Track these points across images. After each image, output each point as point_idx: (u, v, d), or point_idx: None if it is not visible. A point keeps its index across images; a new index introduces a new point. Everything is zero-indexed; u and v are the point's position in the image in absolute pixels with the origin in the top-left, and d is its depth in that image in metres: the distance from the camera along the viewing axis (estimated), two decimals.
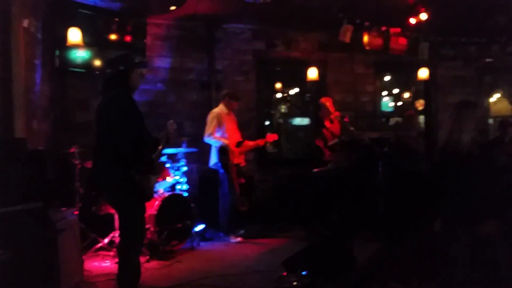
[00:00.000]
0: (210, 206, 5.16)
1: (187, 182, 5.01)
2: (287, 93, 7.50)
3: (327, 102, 5.43)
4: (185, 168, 4.97)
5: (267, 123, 6.87)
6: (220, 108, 5.05)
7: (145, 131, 2.89)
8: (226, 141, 4.87)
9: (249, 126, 6.01)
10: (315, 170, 5.30)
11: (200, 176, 5.65)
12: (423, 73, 6.15)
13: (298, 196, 5.53)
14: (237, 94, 5.14)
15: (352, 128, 4.95)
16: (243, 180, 5.16)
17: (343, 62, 6.56)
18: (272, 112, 7.13)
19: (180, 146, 4.85)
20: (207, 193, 5.37)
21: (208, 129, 4.87)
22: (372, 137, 5.20)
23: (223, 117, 4.95)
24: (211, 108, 5.24)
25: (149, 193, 2.97)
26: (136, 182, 2.77)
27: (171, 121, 3.30)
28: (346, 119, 5.14)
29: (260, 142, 5.25)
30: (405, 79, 7.37)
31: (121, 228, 2.98)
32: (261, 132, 6.11)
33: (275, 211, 5.73)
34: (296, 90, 7.43)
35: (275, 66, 6.66)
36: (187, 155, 5.01)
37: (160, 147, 3.08)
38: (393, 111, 7.40)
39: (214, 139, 4.85)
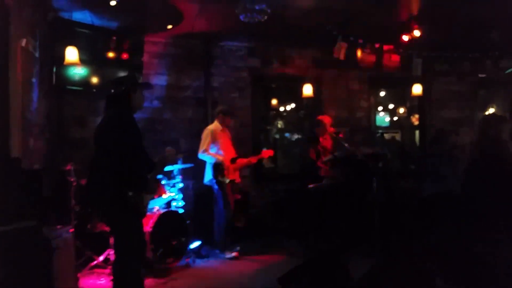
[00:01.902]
0: (205, 222, 5.17)
1: (183, 199, 5.02)
2: (283, 109, 7.57)
3: (325, 120, 5.47)
4: (180, 185, 4.99)
5: (262, 138, 6.90)
6: (214, 125, 5.09)
7: (142, 150, 2.93)
8: (220, 158, 4.89)
9: (245, 142, 6.04)
10: (310, 185, 5.32)
11: (196, 193, 5.67)
12: (416, 88, 6.21)
13: (294, 211, 5.54)
14: (231, 110, 5.18)
15: (346, 144, 4.98)
16: (238, 196, 5.17)
17: (337, 78, 6.63)
18: (268, 128, 7.17)
19: (176, 163, 4.88)
20: (202, 210, 5.36)
21: (202, 145, 4.90)
22: (367, 152, 5.24)
23: (217, 133, 4.98)
24: (207, 125, 5.29)
25: (142, 211, 3.00)
26: (130, 199, 2.81)
27: (169, 148, 3.37)
28: (341, 135, 5.20)
29: (253, 159, 5.26)
30: (400, 95, 7.44)
31: (115, 246, 3.00)
32: (257, 148, 6.15)
33: (271, 226, 5.74)
34: (292, 106, 7.49)
35: (271, 82, 6.73)
36: (183, 172, 5.05)
37: (156, 170, 3.14)
38: (389, 126, 7.46)
39: (208, 155, 4.88)
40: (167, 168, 4.75)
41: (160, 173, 4.59)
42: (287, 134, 7.75)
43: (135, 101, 3.05)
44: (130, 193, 2.80)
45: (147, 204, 3.10)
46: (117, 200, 2.80)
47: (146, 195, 2.99)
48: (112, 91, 3.07)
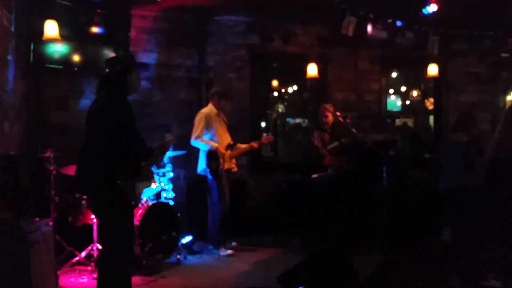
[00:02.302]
0: (198, 216, 5.16)
1: (173, 190, 5.01)
2: (285, 91, 7.55)
3: (329, 109, 5.44)
4: (171, 174, 4.97)
5: (262, 124, 6.89)
6: (209, 108, 5.05)
7: (137, 135, 2.96)
8: (215, 145, 4.87)
9: (242, 128, 6.02)
10: (314, 175, 5.31)
11: (188, 183, 5.66)
12: (432, 69, 6.14)
13: (296, 204, 5.56)
14: (228, 93, 5.14)
15: (354, 130, 4.95)
16: (234, 187, 5.18)
17: (345, 57, 6.57)
18: (268, 112, 7.15)
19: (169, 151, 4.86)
20: (195, 202, 5.35)
21: (196, 131, 4.87)
22: (376, 139, 5.22)
23: (212, 118, 4.95)
24: (201, 108, 5.26)
25: (135, 200, 3.02)
26: (121, 187, 2.82)
27: (169, 135, 3.40)
28: (348, 120, 5.15)
29: (255, 144, 5.23)
30: (414, 76, 7.40)
31: (103, 239, 3.01)
32: (256, 134, 6.12)
33: (271, 220, 5.75)
34: (295, 88, 7.45)
35: (272, 62, 6.67)
36: (174, 160, 5.02)
37: (153, 157, 3.15)
38: (401, 111, 7.43)
39: (202, 142, 4.86)
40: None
41: (158, 162, 4.63)
42: (289, 119, 7.75)
43: (131, 83, 3.08)
44: (121, 181, 2.82)
45: (141, 193, 3.11)
46: (107, 188, 2.82)
47: (139, 183, 3.00)
48: (107, 71, 3.09)
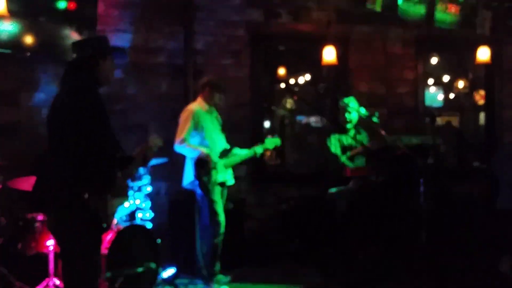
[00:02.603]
0: (184, 242, 5.14)
1: (152, 208, 5.01)
2: (295, 82, 7.56)
3: (349, 101, 5.48)
4: (149, 189, 4.96)
5: (266, 124, 6.87)
6: (198, 104, 5.03)
7: (111, 139, 2.96)
8: (206, 151, 4.83)
9: (240, 129, 6.02)
10: (332, 190, 5.32)
11: (171, 200, 5.67)
12: (483, 53, 6.10)
13: (309, 227, 5.53)
14: (222, 84, 5.11)
15: (383, 132, 4.93)
16: (230, 205, 5.16)
17: (371, 38, 6.56)
18: (273, 108, 7.18)
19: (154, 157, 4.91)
20: (180, 224, 5.35)
21: (181, 133, 4.84)
22: (411, 143, 5.23)
23: (202, 116, 4.93)
24: (188, 103, 5.24)
25: (107, 221, 2.98)
26: (90, 206, 2.81)
27: (155, 135, 3.41)
28: (374, 119, 5.18)
29: (258, 150, 5.18)
30: (460, 62, 7.43)
31: (63, 272, 2.98)
32: (258, 136, 6.08)
33: (277, 247, 5.73)
34: (307, 78, 7.44)
35: (278, 44, 6.65)
36: (152, 170, 5.00)
37: (132, 166, 3.16)
38: (443, 107, 7.47)
39: (188, 147, 4.83)
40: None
41: (137, 172, 4.65)
42: (300, 117, 7.80)
43: (104, 72, 3.12)
44: (91, 196, 2.81)
45: (114, 213, 3.07)
46: (72, 205, 2.80)
47: (113, 200, 2.97)
48: (74, 57, 3.09)
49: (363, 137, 5.59)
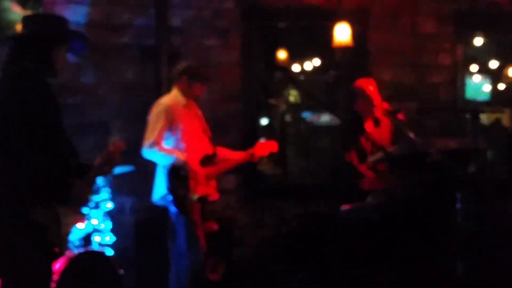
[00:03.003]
0: (154, 273, 5.17)
1: (113, 230, 5.07)
2: (300, 69, 7.54)
3: (367, 87, 5.50)
4: (109, 205, 5.03)
5: (262, 121, 6.96)
6: (173, 97, 5.10)
7: (64, 141, 3.03)
8: (183, 156, 4.91)
9: (229, 128, 6.13)
10: (345, 206, 5.35)
11: (138, 220, 5.73)
12: None
13: (317, 254, 5.60)
14: (204, 71, 5.20)
15: (411, 133, 5.02)
16: (215, 226, 5.22)
17: (396, 13, 6.64)
18: (271, 102, 7.24)
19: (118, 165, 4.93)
20: (149, 250, 5.40)
21: (151, 133, 4.90)
22: (448, 148, 5.27)
23: (178, 112, 5.01)
24: (160, 95, 5.32)
25: (60, 244, 3.06)
26: (38, 224, 2.86)
27: (117, 138, 3.45)
28: (400, 116, 5.24)
29: (250, 154, 5.28)
30: (510, 43, 7.38)
31: None
32: (251, 137, 6.21)
33: (276, 280, 5.78)
34: (315, 63, 7.50)
35: (277, 20, 6.69)
36: (114, 182, 5.10)
37: (91, 176, 3.22)
38: (490, 101, 7.50)
39: (161, 152, 4.89)
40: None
41: (97, 177, 4.80)
42: (305, 114, 7.81)
43: (58, 61, 3.18)
44: (38, 212, 2.86)
45: (68, 233, 3.15)
46: (15, 222, 2.85)
47: (68, 218, 3.07)
48: (20, 35, 3.17)
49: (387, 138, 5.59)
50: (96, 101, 6.04)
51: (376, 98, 5.46)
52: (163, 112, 4.94)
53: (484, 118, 6.97)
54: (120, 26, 6.15)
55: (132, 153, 5.11)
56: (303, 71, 7.67)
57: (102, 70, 6.11)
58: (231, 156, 5.29)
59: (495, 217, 5.81)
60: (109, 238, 5.07)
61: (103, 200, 5.05)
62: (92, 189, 4.71)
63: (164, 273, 5.06)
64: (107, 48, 6.11)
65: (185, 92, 5.09)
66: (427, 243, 5.10)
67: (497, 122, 7.38)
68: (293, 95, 7.79)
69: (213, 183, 5.16)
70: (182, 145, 4.99)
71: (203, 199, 5.00)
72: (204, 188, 5.00)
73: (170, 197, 4.88)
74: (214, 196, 5.16)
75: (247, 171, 6.12)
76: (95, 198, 5.01)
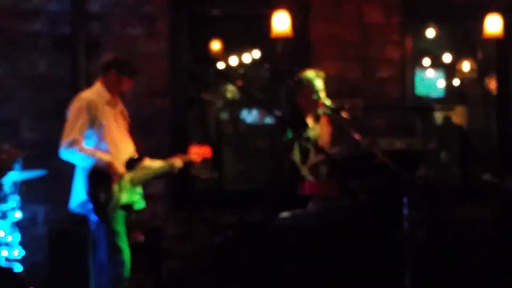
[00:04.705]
0: None
1: (23, 244, 5.02)
2: (238, 61, 7.51)
3: (312, 78, 5.54)
4: (18, 215, 4.98)
5: (195, 120, 6.97)
6: (96, 91, 5.07)
7: None
8: (105, 158, 4.89)
9: (156, 128, 6.16)
10: (284, 214, 5.29)
11: (52, 231, 5.65)
12: (493, 23, 6.38)
13: (253, 267, 5.64)
14: (131, 64, 5.18)
15: (355, 133, 5.06)
16: (141, 237, 5.24)
17: (340, 1, 6.71)
18: (204, 99, 7.27)
19: (9, 169, 4.82)
20: (64, 265, 5.34)
21: (70, 131, 4.85)
22: (394, 148, 5.30)
23: (101, 109, 4.98)
24: (79, 90, 5.28)
25: None
26: None
27: (7, 146, 3.43)
28: (344, 114, 5.29)
29: (178, 161, 5.28)
30: (464, 36, 7.56)
31: None
32: (181, 139, 6.25)
33: None
34: (253, 55, 7.52)
35: (208, 7, 6.75)
36: (23, 188, 5.03)
37: None
38: (442, 98, 7.66)
39: (81, 152, 4.85)
40: None
41: None
42: (243, 112, 7.84)
43: None
44: None
45: None
46: None
47: None
48: None
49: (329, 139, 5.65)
50: (3, 95, 5.97)
51: (322, 92, 5.47)
52: (84, 107, 4.92)
53: (435, 117, 7.07)
54: (30, 11, 6.11)
55: (44, 155, 5.10)
56: (241, 65, 7.68)
57: (10, 61, 6.05)
58: (157, 162, 5.26)
59: (445, 224, 5.94)
60: (18, 252, 5.01)
61: (11, 209, 4.99)
62: None
63: None
64: (16, 36, 6.06)
65: (110, 87, 5.09)
66: (372, 253, 5.16)
67: (447, 121, 7.52)
68: (230, 91, 7.78)
69: (138, 189, 5.16)
70: (105, 145, 4.97)
71: (127, 207, 5.01)
72: (128, 194, 5.01)
73: (90, 204, 4.84)
74: (140, 203, 5.16)
75: (176, 176, 5.96)
76: (1, 207, 4.94)
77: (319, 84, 5.48)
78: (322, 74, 5.56)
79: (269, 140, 6.03)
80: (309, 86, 5.50)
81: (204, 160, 5.64)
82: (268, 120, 7.49)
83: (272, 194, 5.59)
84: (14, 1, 6.04)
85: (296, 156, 5.45)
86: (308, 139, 5.39)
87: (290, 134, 5.35)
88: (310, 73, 5.57)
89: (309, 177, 5.38)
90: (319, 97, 5.43)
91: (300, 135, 5.36)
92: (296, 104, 5.64)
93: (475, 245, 6.10)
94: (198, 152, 5.45)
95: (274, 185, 5.57)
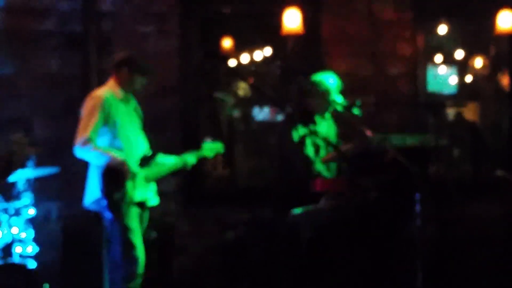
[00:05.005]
0: (84, 287, 5.21)
1: (37, 240, 5.04)
2: (249, 59, 7.58)
3: (322, 80, 5.56)
4: (32, 212, 5.01)
5: (207, 118, 7.02)
6: (110, 89, 5.12)
7: None
8: (120, 156, 4.93)
9: (168, 125, 6.22)
10: (296, 211, 5.37)
11: (66, 228, 5.73)
12: (505, 19, 6.44)
13: (265, 264, 5.67)
14: (144, 62, 5.24)
15: (368, 131, 5.14)
16: (154, 234, 5.36)
17: None
18: (216, 96, 7.30)
19: (22, 166, 4.91)
20: (78, 262, 5.40)
21: (84, 129, 4.89)
22: (406, 145, 5.34)
23: (115, 106, 5.03)
24: (91, 88, 5.33)
25: None
26: None
27: (19, 134, 3.42)
28: (356, 111, 5.35)
29: (194, 155, 5.35)
30: (476, 32, 7.57)
31: None
32: (192, 137, 6.31)
33: None
34: (264, 52, 7.55)
35: (219, 5, 6.77)
36: (36, 185, 5.07)
37: None
38: (454, 95, 7.62)
39: (95, 150, 4.89)
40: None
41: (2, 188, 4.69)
42: (255, 110, 7.86)
43: None
44: None
45: None
46: None
47: None
48: None
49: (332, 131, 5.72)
50: (16, 94, 6.03)
51: (333, 93, 5.50)
52: (98, 105, 4.94)
53: (450, 113, 7.08)
54: (42, 10, 6.16)
55: (57, 152, 5.16)
56: (252, 62, 7.69)
57: (21, 60, 6.10)
58: (168, 160, 5.29)
59: (457, 221, 5.96)
60: (32, 249, 5.04)
61: (24, 206, 5.03)
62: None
63: (96, 286, 5.09)
64: (28, 35, 6.11)
65: (123, 85, 5.12)
66: (384, 250, 5.20)
67: (460, 118, 7.52)
68: (242, 88, 7.80)
69: (152, 185, 5.21)
70: (119, 142, 5.01)
71: (141, 204, 5.05)
72: (142, 192, 5.04)
73: (105, 202, 4.88)
74: (154, 200, 5.22)
75: (188, 173, 6.02)
76: (14, 204, 4.99)
77: (331, 84, 5.52)
78: (333, 74, 5.61)
79: (278, 137, 6.04)
80: (317, 90, 5.55)
81: (217, 156, 5.72)
82: (280, 117, 7.40)
83: (283, 191, 5.68)
84: (26, 0, 6.11)
85: (310, 151, 5.50)
86: (319, 134, 5.44)
87: (302, 130, 5.38)
88: (319, 76, 5.61)
89: (325, 172, 5.47)
90: (328, 100, 5.50)
91: (312, 131, 5.40)
92: (305, 105, 5.68)
93: (487, 243, 6.13)
94: (211, 148, 5.51)
95: (284, 182, 5.61)
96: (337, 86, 5.55)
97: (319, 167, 5.51)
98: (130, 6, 6.39)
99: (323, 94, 5.53)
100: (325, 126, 5.66)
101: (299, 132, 5.44)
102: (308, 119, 5.54)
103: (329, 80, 5.55)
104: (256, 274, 5.83)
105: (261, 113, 7.85)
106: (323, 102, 5.56)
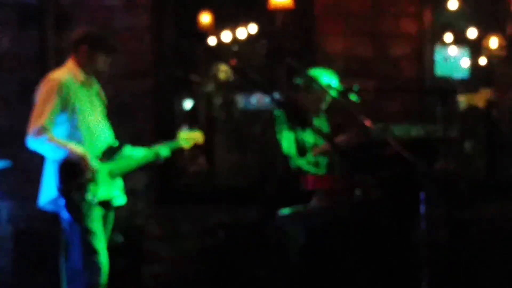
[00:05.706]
0: None
1: None
2: (232, 37, 7.55)
3: (317, 76, 5.57)
4: None
5: (182, 105, 7.08)
6: (68, 71, 5.08)
7: None
8: (80, 148, 4.91)
9: (137, 112, 6.22)
10: (284, 211, 5.39)
11: (17, 231, 5.74)
12: None
13: (249, 271, 5.70)
14: (107, 38, 5.20)
15: (366, 119, 5.09)
16: (121, 237, 5.35)
17: None
18: (193, 80, 7.33)
19: None
20: (32, 269, 5.40)
21: (39, 117, 4.85)
22: (410, 137, 5.38)
23: (75, 91, 4.99)
24: (47, 69, 5.35)
25: None
26: None
27: None
28: (353, 98, 5.32)
29: (168, 147, 5.34)
30: (491, 8, 7.59)
31: None
32: (166, 125, 6.31)
33: None
34: (249, 30, 7.53)
35: None
36: None
37: None
38: (465, 80, 7.68)
39: (51, 142, 4.85)
40: None
41: None
42: (239, 96, 7.89)
43: None
44: None
45: None
46: None
47: None
48: None
49: (324, 125, 5.75)
50: None
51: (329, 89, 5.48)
52: (55, 89, 4.91)
53: (459, 101, 7.06)
54: None
55: (9, 144, 5.09)
56: (235, 40, 7.68)
57: None
58: (138, 152, 5.27)
59: (469, 223, 5.98)
60: None
61: None
62: None
63: None
64: None
65: (84, 66, 5.09)
66: (385, 255, 5.19)
67: (471, 107, 7.37)
68: (223, 71, 7.81)
69: (119, 182, 5.20)
70: (79, 133, 4.98)
71: (105, 203, 5.05)
72: (106, 189, 5.03)
73: (63, 201, 4.85)
74: (120, 199, 5.21)
75: (161, 167, 6.07)
76: None
77: (326, 80, 5.55)
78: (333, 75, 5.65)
79: (263, 127, 6.05)
80: (309, 88, 5.61)
81: (195, 148, 5.67)
82: (268, 105, 7.42)
83: (269, 189, 5.66)
84: None
85: (291, 148, 5.52)
86: (312, 126, 5.38)
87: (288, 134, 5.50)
88: (317, 71, 5.65)
89: (311, 169, 5.45)
90: (320, 98, 5.59)
91: (302, 123, 5.19)
92: (296, 101, 5.71)
93: (502, 246, 6.11)
94: (188, 138, 5.49)
95: (270, 179, 5.61)
96: (337, 87, 5.53)
97: (300, 162, 5.50)
98: None
99: (319, 93, 5.58)
100: (317, 122, 5.68)
101: (282, 129, 5.55)
102: (298, 119, 5.51)
103: (329, 80, 5.59)
104: (239, 284, 5.85)
105: (246, 100, 7.84)
106: (319, 102, 5.63)
